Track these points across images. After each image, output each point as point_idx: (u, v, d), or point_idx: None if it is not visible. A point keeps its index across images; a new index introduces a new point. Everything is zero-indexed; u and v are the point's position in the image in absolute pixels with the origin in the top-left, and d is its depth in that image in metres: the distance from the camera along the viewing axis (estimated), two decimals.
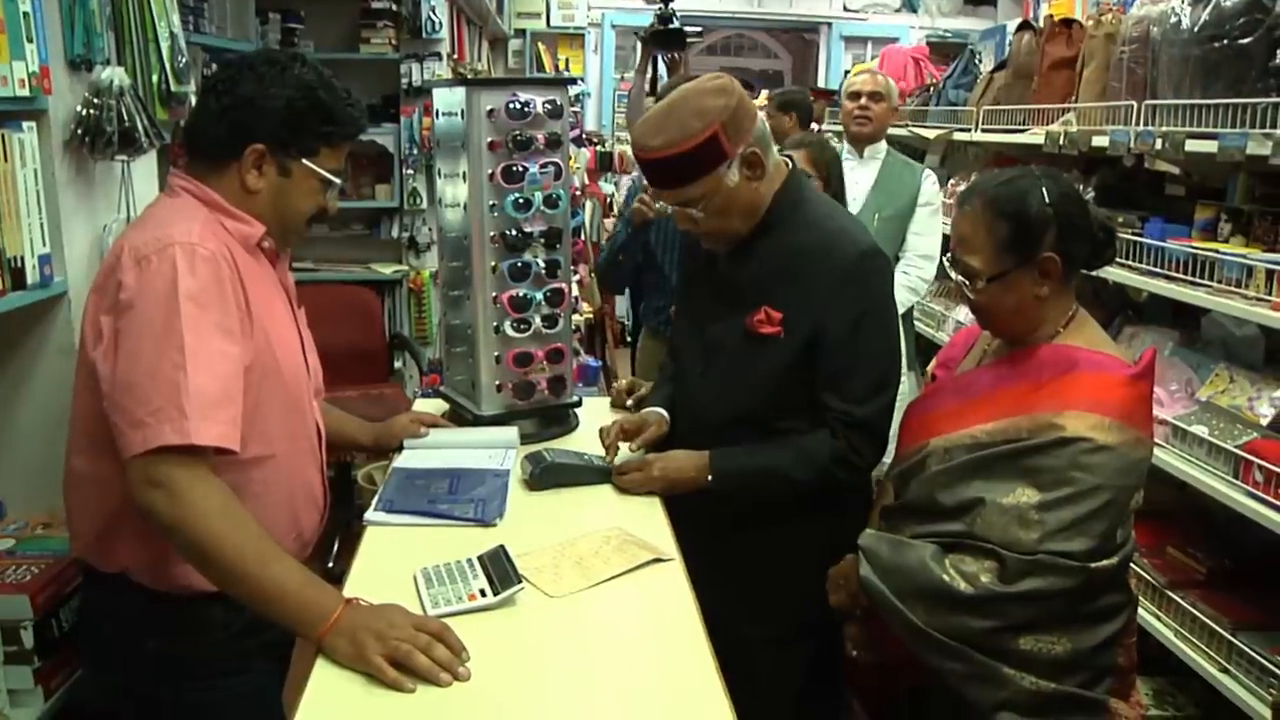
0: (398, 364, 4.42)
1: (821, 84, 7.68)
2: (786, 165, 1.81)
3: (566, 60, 7.01)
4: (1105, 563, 1.48)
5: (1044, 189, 1.56)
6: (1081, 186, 3.07)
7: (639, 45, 4.04)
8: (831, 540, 1.79)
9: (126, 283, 1.31)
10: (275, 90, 1.41)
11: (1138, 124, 2.57)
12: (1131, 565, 2.44)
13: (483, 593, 1.43)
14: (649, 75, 3.95)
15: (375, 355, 4.17)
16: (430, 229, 4.60)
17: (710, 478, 1.80)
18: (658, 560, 1.58)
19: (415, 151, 4.41)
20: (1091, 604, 1.52)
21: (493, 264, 2.00)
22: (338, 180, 1.51)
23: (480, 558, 1.52)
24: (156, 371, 1.27)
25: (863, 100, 3.41)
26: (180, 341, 1.28)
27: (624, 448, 1.92)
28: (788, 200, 1.77)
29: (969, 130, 3.60)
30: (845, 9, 7.39)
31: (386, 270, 4.54)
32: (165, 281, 1.30)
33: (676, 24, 3.90)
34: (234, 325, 1.36)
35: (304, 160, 1.45)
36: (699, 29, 4.08)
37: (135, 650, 1.44)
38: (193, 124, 1.48)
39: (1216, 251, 2.29)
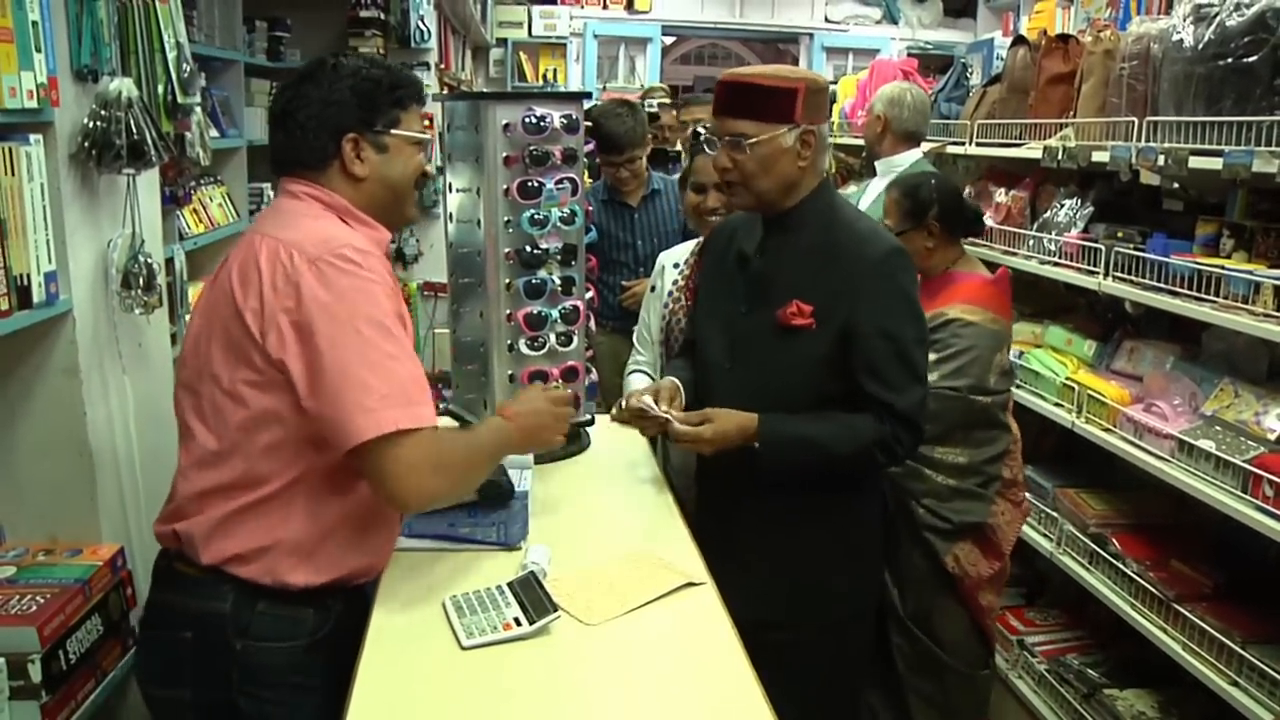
0: None
1: None
2: (825, 176, 1.88)
3: (554, 70, 6.97)
4: (980, 398, 2.24)
5: (932, 182, 2.45)
6: (1079, 200, 3.09)
7: None
8: (849, 540, 1.85)
9: (312, 285, 1.38)
10: (338, 85, 1.51)
11: (1139, 140, 2.58)
12: (1137, 579, 2.48)
13: (517, 621, 1.40)
14: None
15: None
16: (418, 240, 4.55)
17: (757, 442, 1.76)
18: (690, 585, 1.56)
19: None
20: (978, 430, 2.28)
21: (507, 281, 1.97)
22: (428, 136, 1.61)
23: (511, 585, 1.49)
24: (375, 364, 1.37)
25: None
26: (385, 334, 1.39)
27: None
28: (821, 201, 1.84)
29: (963, 144, 3.60)
30: (827, 20, 7.40)
31: None
32: (353, 282, 1.39)
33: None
34: (405, 314, 1.48)
35: (393, 130, 1.55)
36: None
37: (218, 654, 1.42)
38: (284, 149, 1.53)
39: (1222, 268, 2.30)
